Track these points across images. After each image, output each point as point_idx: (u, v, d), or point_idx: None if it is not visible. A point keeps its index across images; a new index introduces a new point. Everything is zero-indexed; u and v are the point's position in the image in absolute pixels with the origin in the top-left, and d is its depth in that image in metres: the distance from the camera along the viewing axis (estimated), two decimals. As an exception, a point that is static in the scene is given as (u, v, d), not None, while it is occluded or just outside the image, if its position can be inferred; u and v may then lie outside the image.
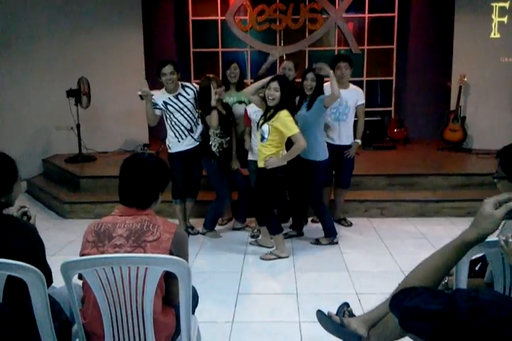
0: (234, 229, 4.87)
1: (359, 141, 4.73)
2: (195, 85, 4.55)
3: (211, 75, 4.49)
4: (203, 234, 4.71)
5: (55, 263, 1.99)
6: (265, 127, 3.85)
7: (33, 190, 6.30)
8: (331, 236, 4.40)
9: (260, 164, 3.98)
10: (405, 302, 1.26)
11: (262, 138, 3.91)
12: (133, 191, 1.98)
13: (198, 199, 4.83)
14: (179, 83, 4.48)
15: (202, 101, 4.34)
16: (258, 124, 3.97)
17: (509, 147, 2.01)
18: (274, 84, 3.81)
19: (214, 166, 4.50)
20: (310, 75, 4.10)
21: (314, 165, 4.20)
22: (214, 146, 4.43)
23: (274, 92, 3.80)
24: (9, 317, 1.66)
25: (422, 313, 1.20)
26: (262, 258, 4.10)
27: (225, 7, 7.67)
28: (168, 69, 4.32)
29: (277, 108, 3.83)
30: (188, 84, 4.56)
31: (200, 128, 4.54)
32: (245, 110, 4.44)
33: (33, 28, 6.69)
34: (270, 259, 4.08)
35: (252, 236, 4.61)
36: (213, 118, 4.24)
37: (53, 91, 6.61)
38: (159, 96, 4.47)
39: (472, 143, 6.90)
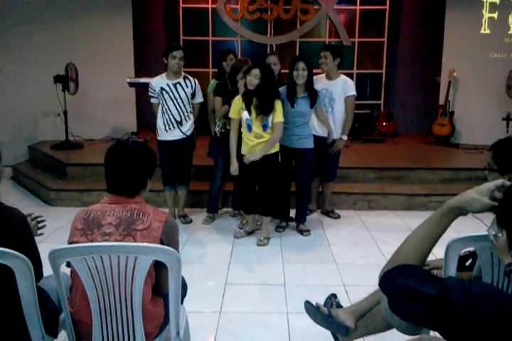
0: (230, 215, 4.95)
1: (344, 137, 4.64)
2: (196, 81, 4.55)
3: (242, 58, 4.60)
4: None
5: (41, 251, 1.97)
6: (270, 118, 3.98)
7: (18, 176, 6.23)
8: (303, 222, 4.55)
9: (272, 150, 4.08)
10: (398, 280, 1.25)
11: (265, 128, 4.01)
12: (120, 179, 1.95)
13: (192, 189, 4.83)
14: (182, 73, 4.49)
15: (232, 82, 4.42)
16: (259, 117, 3.98)
17: (504, 140, 2.02)
18: (256, 71, 3.91)
19: (214, 146, 4.64)
20: (301, 65, 4.07)
21: (304, 152, 4.28)
22: (218, 126, 4.53)
23: (253, 79, 3.91)
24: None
25: (414, 294, 1.20)
26: (259, 245, 4.18)
27: (216, -5, 7.59)
28: (179, 53, 4.38)
29: (265, 97, 3.94)
30: (189, 77, 4.54)
31: (190, 122, 4.53)
32: None
33: (20, 13, 6.58)
34: (265, 244, 4.20)
35: (241, 228, 4.55)
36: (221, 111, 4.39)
37: (40, 77, 6.52)
38: (158, 81, 4.48)
39: (460, 138, 6.94)
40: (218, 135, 4.54)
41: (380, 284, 1.33)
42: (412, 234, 1.39)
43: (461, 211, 1.36)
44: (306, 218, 4.65)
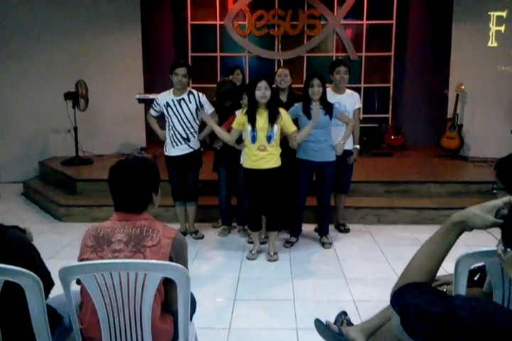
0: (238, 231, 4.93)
1: (358, 146, 4.72)
2: (200, 94, 4.55)
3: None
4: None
5: (51, 267, 1.99)
6: (275, 128, 3.96)
7: (29, 192, 6.27)
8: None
9: (275, 164, 4.05)
10: (408, 298, 1.25)
11: (269, 140, 3.98)
12: (124, 197, 1.97)
13: (201, 204, 4.85)
14: (188, 88, 4.52)
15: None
16: (266, 128, 3.97)
17: (506, 159, 2.02)
18: (264, 83, 3.90)
19: (217, 160, 4.70)
20: (316, 81, 4.14)
21: (326, 165, 4.33)
22: (217, 142, 4.56)
23: (264, 91, 3.89)
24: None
25: (423, 313, 1.19)
26: (269, 261, 4.17)
27: (223, 12, 7.69)
28: (182, 70, 4.39)
29: (273, 107, 3.97)
30: (194, 91, 4.54)
31: (197, 137, 4.55)
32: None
33: (30, 30, 6.70)
34: (276, 259, 4.19)
35: (250, 242, 4.57)
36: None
37: (51, 94, 6.61)
38: (164, 96, 4.52)
39: (469, 151, 6.93)
40: (218, 148, 4.61)
41: (391, 303, 1.33)
42: (418, 251, 1.39)
43: (464, 227, 1.34)
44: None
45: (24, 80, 6.75)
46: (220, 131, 4.16)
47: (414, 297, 1.24)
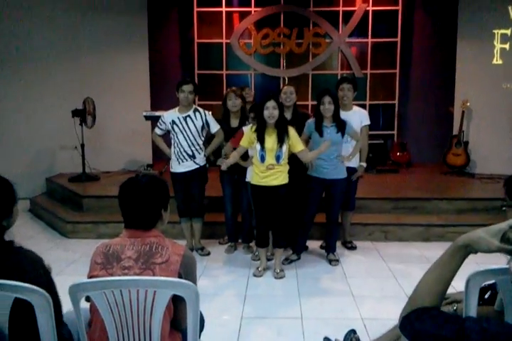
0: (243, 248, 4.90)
1: (364, 164, 4.69)
2: (207, 112, 4.59)
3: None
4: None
5: (58, 283, 1.98)
6: (284, 148, 3.96)
7: (35, 209, 6.29)
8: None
9: (283, 181, 4.05)
10: (416, 324, 1.24)
11: (278, 159, 3.98)
12: (134, 214, 1.98)
13: (207, 220, 4.85)
14: (194, 106, 4.56)
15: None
16: (275, 148, 3.96)
17: None
18: (272, 103, 3.90)
19: (221, 176, 4.71)
20: (327, 99, 4.15)
21: (337, 182, 4.33)
22: (221, 156, 4.56)
23: (272, 111, 3.89)
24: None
25: (433, 338, 1.18)
26: (276, 278, 4.15)
27: (230, 30, 7.78)
28: (188, 87, 4.45)
29: (282, 127, 3.95)
30: (200, 109, 4.57)
31: (202, 154, 4.57)
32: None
33: (37, 47, 6.78)
34: (283, 277, 4.16)
35: (254, 260, 4.56)
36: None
37: (59, 111, 6.67)
38: (170, 114, 4.57)
39: (475, 168, 6.92)
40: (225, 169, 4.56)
41: (400, 328, 1.31)
42: (425, 275, 1.37)
43: (470, 250, 1.32)
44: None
45: (32, 97, 6.82)
46: (230, 160, 4.16)
47: (423, 322, 1.23)
